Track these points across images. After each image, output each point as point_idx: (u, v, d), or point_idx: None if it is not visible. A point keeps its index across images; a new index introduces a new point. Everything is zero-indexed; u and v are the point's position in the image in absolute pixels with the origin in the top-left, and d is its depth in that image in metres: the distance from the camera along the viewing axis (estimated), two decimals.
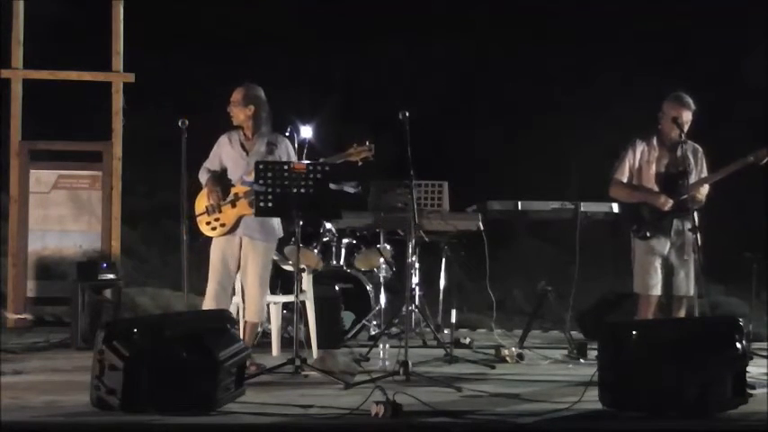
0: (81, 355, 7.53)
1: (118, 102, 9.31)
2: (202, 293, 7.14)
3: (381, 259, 8.95)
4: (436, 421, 5.36)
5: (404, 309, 7.49)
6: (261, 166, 6.73)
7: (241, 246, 7.08)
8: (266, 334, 8.02)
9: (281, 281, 8.16)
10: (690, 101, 7.26)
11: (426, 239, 8.04)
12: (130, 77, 9.35)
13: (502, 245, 11.09)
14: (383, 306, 8.91)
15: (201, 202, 7.14)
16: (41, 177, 9.34)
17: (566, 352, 8.00)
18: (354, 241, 9.02)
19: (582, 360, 7.71)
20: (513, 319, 10.27)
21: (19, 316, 9.17)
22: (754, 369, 6.58)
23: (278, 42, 13.89)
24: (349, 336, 8.60)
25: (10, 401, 5.68)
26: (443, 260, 8.64)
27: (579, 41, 13.66)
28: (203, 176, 7.18)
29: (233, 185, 7.09)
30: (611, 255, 10.16)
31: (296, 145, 7.98)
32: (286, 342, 7.78)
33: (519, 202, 8.38)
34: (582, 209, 8.24)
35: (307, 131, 8.46)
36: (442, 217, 8.18)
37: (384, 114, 7.67)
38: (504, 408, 5.80)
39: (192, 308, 7.67)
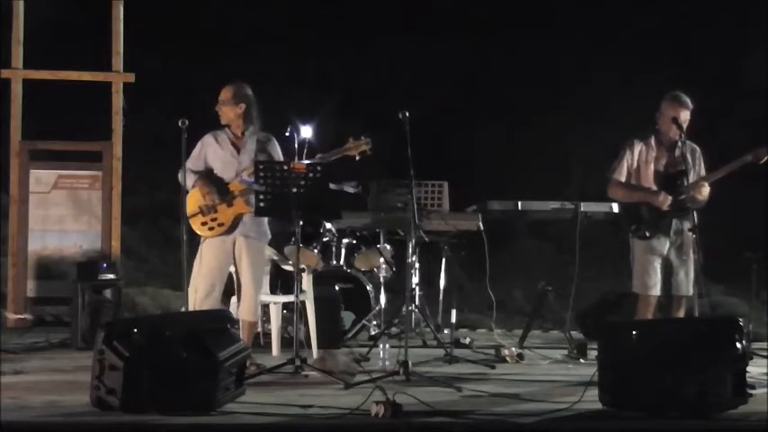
0: (81, 355, 7.52)
1: (118, 102, 9.31)
2: None
3: (381, 259, 8.95)
4: (436, 421, 5.35)
5: (404, 309, 7.49)
6: (261, 166, 6.71)
7: (234, 245, 7.04)
8: (266, 334, 8.02)
9: (280, 281, 8.16)
10: (688, 100, 7.18)
11: (426, 239, 8.04)
12: (130, 77, 9.35)
13: (502, 245, 11.09)
14: (383, 306, 8.90)
15: (193, 203, 7.01)
16: (41, 177, 9.34)
17: (566, 352, 7.99)
18: (354, 241, 9.02)
19: (582, 360, 7.70)
20: (513, 319, 10.26)
21: (19, 316, 9.17)
22: (754, 369, 6.57)
23: (278, 42, 13.89)
24: (349, 336, 8.59)
25: (10, 401, 5.67)
26: (443, 260, 8.63)
27: (579, 41, 13.67)
28: (189, 177, 7.02)
29: (227, 184, 7.01)
30: (611, 255, 10.14)
31: (296, 145, 7.98)
32: (286, 342, 7.78)
33: (519, 202, 8.39)
34: (582, 209, 8.24)
35: (307, 131, 8.45)
36: (441, 217, 8.18)
37: (384, 114, 7.65)
38: (504, 408, 5.79)
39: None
